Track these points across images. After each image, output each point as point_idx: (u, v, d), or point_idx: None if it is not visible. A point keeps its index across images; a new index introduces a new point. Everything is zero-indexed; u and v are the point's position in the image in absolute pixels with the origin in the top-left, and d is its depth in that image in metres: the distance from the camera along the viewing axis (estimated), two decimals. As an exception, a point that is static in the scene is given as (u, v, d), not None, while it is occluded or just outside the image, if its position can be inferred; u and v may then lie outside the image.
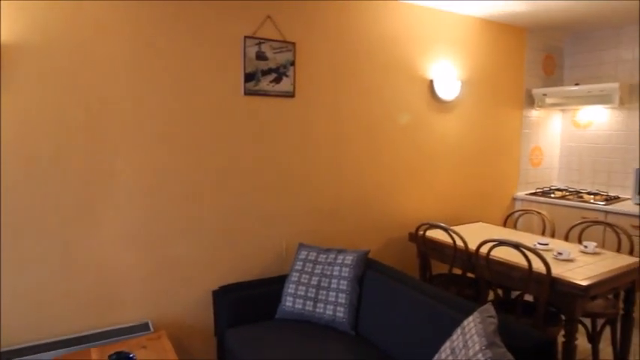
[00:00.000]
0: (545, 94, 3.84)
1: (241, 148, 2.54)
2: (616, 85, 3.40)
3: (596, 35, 3.90)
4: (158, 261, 2.34)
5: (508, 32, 3.68)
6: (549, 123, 4.12)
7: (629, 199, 3.58)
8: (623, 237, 2.99)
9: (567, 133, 4.16)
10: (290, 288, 2.39)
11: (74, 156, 2.09)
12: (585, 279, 2.12)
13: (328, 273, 2.37)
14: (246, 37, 2.47)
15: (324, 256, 2.45)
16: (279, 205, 2.70)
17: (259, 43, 2.52)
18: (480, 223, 3.37)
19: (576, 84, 3.91)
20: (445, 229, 2.63)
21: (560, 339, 2.26)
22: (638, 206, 3.29)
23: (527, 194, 3.87)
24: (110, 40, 2.12)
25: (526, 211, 3.38)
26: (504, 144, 3.80)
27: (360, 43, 2.91)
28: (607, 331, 2.83)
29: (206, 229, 2.46)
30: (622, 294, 2.53)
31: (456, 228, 3.15)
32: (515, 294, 2.80)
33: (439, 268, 3.14)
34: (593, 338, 2.53)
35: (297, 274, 2.42)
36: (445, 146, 3.42)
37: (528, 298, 2.41)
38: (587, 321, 2.72)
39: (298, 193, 2.76)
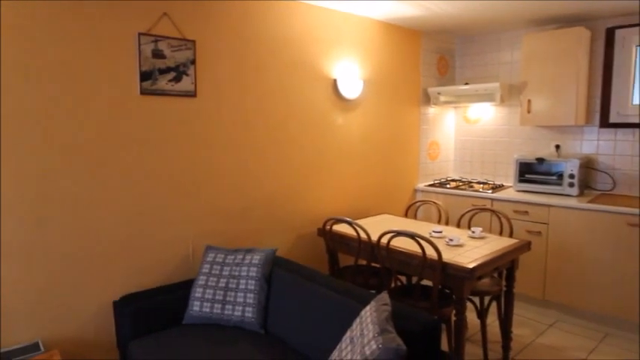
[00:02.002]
0: (439, 93, 4.15)
1: (140, 149, 2.42)
2: (497, 84, 3.78)
3: (480, 39, 4.30)
4: (46, 273, 2.16)
5: (405, 35, 3.92)
6: (444, 119, 4.47)
7: (511, 186, 4.02)
8: (505, 221, 3.36)
9: (460, 128, 4.55)
10: (197, 292, 2.35)
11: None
12: (471, 262, 2.35)
13: (236, 274, 2.36)
14: (140, 34, 2.36)
15: (232, 257, 2.44)
16: (184, 207, 2.62)
17: (156, 41, 2.42)
18: (385, 215, 3.56)
19: (466, 83, 4.28)
20: (349, 223, 2.74)
21: (454, 317, 2.48)
22: (518, 193, 3.71)
23: (426, 186, 4.17)
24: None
25: (425, 202, 3.64)
26: (405, 139, 4.05)
27: (264, 43, 2.91)
28: (493, 306, 3.16)
29: (102, 236, 2.32)
30: (504, 272, 2.83)
31: (361, 221, 3.32)
32: (415, 280, 3.01)
33: (347, 260, 3.27)
34: (482, 314, 2.81)
35: (205, 277, 2.38)
36: (350, 143, 3.56)
37: (429, 282, 2.60)
38: (477, 299, 3.02)
39: (204, 194, 2.71)
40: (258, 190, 2.98)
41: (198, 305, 2.32)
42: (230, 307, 2.30)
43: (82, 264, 2.26)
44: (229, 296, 2.32)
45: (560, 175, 3.54)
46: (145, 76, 2.40)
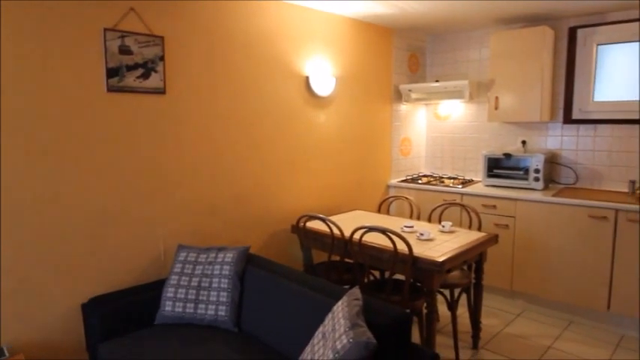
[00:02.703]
0: (410, 90, 4.21)
1: (108, 147, 2.37)
2: (466, 82, 3.87)
3: (450, 37, 4.38)
4: (10, 275, 2.10)
5: (377, 32, 3.95)
6: (416, 116, 4.54)
7: (480, 181, 4.12)
8: (474, 215, 3.44)
9: (431, 124, 4.63)
10: (169, 292, 2.32)
11: None
12: (441, 255, 2.40)
13: (209, 272, 2.35)
14: (106, 29, 2.30)
15: (205, 255, 2.42)
16: (155, 205, 2.59)
17: (122, 37, 2.37)
18: (358, 211, 3.60)
19: (436, 80, 4.35)
20: (323, 219, 2.76)
21: (425, 310, 2.53)
22: (486, 187, 3.81)
23: (398, 181, 4.23)
24: None
25: (397, 197, 3.70)
26: (377, 136, 4.10)
27: (236, 40, 2.89)
28: (463, 298, 3.25)
29: (69, 236, 2.26)
30: (473, 265, 2.91)
31: (335, 217, 3.34)
32: (388, 274, 3.05)
33: (321, 256, 3.30)
34: (452, 306, 2.88)
35: (177, 277, 2.36)
36: (323, 140, 3.57)
37: (401, 277, 2.65)
38: (447, 292, 3.09)
39: (175, 193, 2.67)
40: (230, 188, 2.96)
41: (171, 305, 2.30)
42: (203, 306, 2.29)
43: (47, 265, 2.20)
44: (202, 295, 2.30)
45: (527, 170, 3.66)
46: (111, 72, 2.34)
